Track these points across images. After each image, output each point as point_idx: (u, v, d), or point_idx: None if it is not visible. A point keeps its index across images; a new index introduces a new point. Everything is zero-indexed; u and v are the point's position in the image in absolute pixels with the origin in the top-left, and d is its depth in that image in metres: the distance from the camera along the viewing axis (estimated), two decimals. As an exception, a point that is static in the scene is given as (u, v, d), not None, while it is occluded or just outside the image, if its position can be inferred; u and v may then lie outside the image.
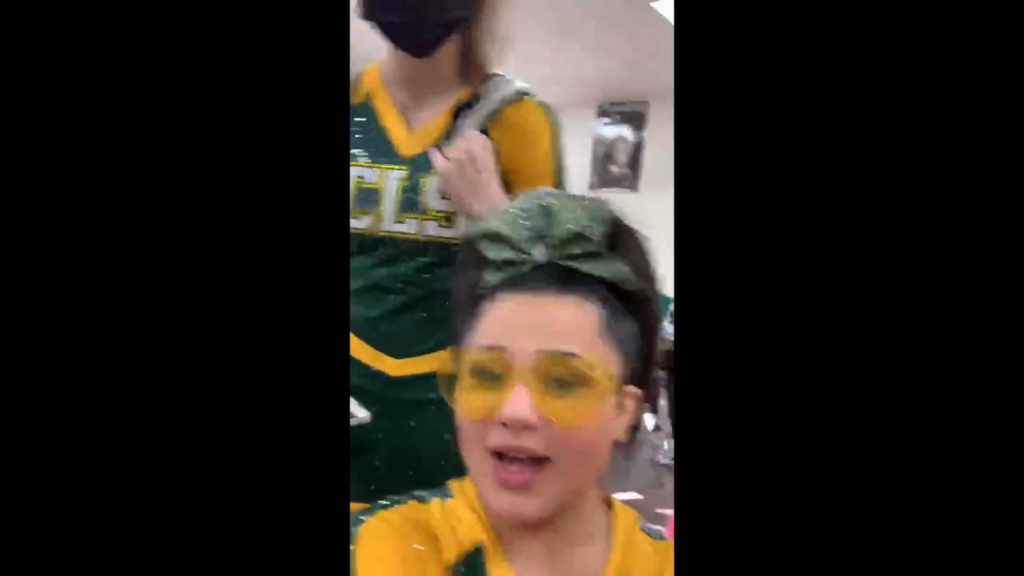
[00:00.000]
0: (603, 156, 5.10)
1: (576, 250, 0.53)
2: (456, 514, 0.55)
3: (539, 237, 0.53)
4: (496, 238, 0.54)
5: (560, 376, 0.49)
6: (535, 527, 0.53)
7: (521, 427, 0.48)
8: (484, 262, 0.55)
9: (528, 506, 0.49)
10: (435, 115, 0.89)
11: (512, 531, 0.54)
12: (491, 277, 0.54)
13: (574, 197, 0.55)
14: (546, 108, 0.89)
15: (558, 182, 0.89)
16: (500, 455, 0.49)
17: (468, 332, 0.53)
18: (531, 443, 0.48)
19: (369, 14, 0.79)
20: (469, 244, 0.57)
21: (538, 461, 0.49)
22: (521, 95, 0.88)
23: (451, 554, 0.54)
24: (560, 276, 0.52)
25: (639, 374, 0.55)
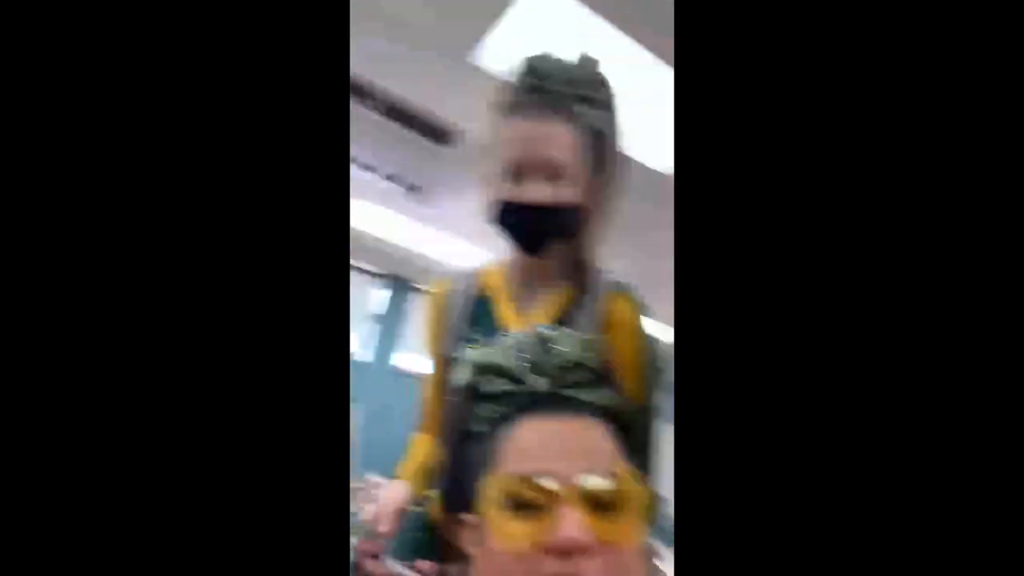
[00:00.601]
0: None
1: (576, 378, 0.56)
2: None
3: (538, 368, 0.56)
4: (497, 371, 0.57)
5: (604, 498, 0.47)
6: None
7: (578, 550, 0.45)
8: (479, 398, 0.57)
9: None
10: (544, 308, 0.97)
11: None
12: (486, 412, 0.55)
13: (566, 331, 0.59)
14: (636, 300, 0.95)
15: (650, 367, 0.93)
16: None
17: (486, 466, 0.52)
18: (586, 569, 0.45)
19: (495, 219, 0.89)
20: (462, 385, 0.59)
21: None
22: (618, 289, 0.96)
23: None
24: (562, 404, 0.53)
25: None
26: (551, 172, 0.83)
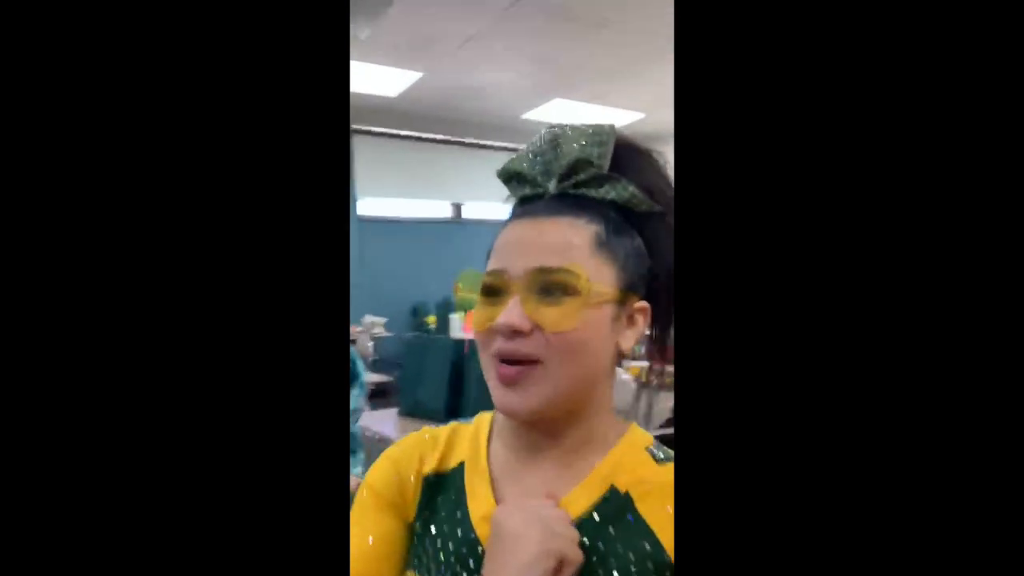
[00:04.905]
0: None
1: (581, 176, 0.58)
2: (460, 434, 0.65)
3: (549, 170, 0.59)
4: (518, 177, 0.61)
5: (546, 285, 0.54)
6: (543, 438, 0.59)
7: (512, 332, 0.54)
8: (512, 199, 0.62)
9: (518, 401, 0.55)
10: None
11: (526, 448, 0.60)
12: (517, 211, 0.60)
13: (580, 126, 0.60)
14: None
15: None
16: (503, 360, 0.55)
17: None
18: (525, 347, 0.54)
19: None
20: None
21: (531, 363, 0.54)
22: None
23: (428, 468, 0.62)
24: (569, 203, 0.57)
25: (648, 288, 0.59)
26: None
